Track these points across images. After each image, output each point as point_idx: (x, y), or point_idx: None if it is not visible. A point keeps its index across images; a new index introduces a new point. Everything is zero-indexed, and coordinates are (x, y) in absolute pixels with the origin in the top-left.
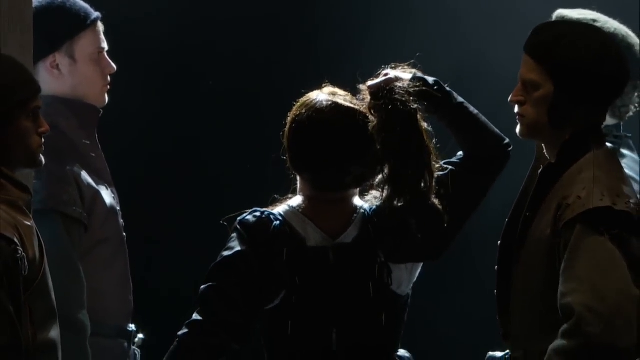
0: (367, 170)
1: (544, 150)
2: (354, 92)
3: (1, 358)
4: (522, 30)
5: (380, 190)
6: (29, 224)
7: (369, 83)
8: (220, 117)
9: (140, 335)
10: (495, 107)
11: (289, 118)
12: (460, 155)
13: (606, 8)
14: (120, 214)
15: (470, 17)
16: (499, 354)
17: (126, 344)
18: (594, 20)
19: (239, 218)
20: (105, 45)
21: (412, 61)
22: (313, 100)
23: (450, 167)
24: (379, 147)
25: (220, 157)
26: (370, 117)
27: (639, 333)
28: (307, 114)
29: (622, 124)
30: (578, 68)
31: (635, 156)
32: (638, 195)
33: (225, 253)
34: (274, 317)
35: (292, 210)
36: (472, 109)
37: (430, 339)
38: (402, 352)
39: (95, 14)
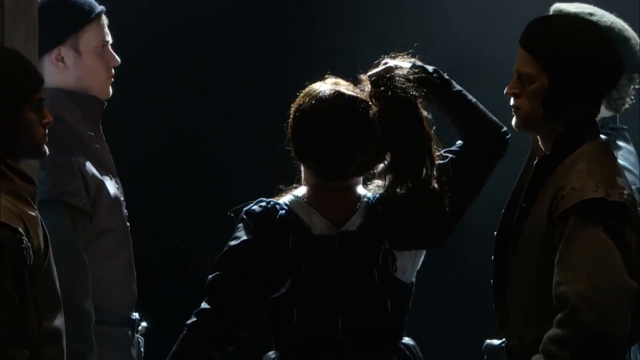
0: (369, 158)
1: (539, 142)
2: (355, 84)
3: (7, 346)
4: (518, 24)
5: (382, 178)
6: (33, 214)
7: (369, 72)
8: (225, 108)
9: (144, 324)
10: (491, 100)
11: (292, 108)
12: (459, 144)
13: (606, 6)
14: (124, 204)
15: (466, 11)
16: (496, 341)
17: (130, 332)
18: (591, 14)
19: (245, 208)
20: (109, 38)
21: (411, 51)
22: (316, 89)
23: (450, 155)
24: (380, 134)
25: (224, 149)
26: (372, 105)
27: (633, 322)
28: (310, 102)
29: (618, 116)
30: (572, 61)
31: (630, 148)
32: (632, 187)
33: (232, 243)
34: (281, 305)
35: (297, 200)
36: (470, 96)
37: (428, 328)
38: (406, 339)
39: (100, 8)
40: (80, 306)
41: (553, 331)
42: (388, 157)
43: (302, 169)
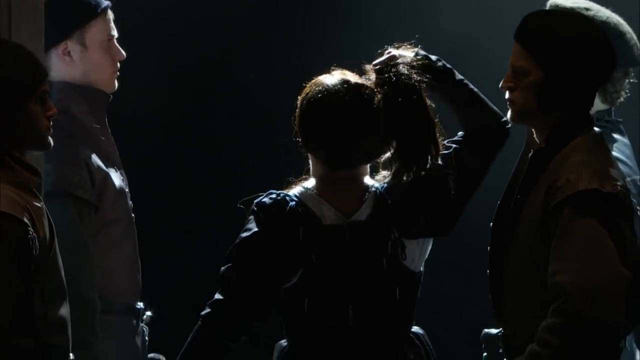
0: (376, 144)
1: (534, 135)
2: (360, 75)
3: (13, 334)
4: (513, 19)
5: (389, 168)
6: (39, 205)
7: (374, 62)
8: (232, 101)
9: (148, 313)
10: (486, 94)
11: (299, 98)
12: (462, 134)
13: (606, 5)
14: (129, 195)
15: (461, 6)
16: (493, 330)
17: (134, 321)
18: (587, 9)
19: (255, 200)
20: (115, 32)
21: (413, 41)
22: (322, 79)
23: (452, 145)
24: (385, 120)
25: (232, 141)
26: (377, 93)
27: (627, 312)
28: (317, 90)
29: (613, 109)
30: (566, 55)
31: (625, 140)
32: (627, 179)
33: (244, 234)
34: (292, 295)
35: (307, 191)
36: (472, 86)
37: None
38: (415, 328)
39: (106, 3)
40: (86, 296)
41: (548, 320)
42: (393, 145)
43: (310, 160)
